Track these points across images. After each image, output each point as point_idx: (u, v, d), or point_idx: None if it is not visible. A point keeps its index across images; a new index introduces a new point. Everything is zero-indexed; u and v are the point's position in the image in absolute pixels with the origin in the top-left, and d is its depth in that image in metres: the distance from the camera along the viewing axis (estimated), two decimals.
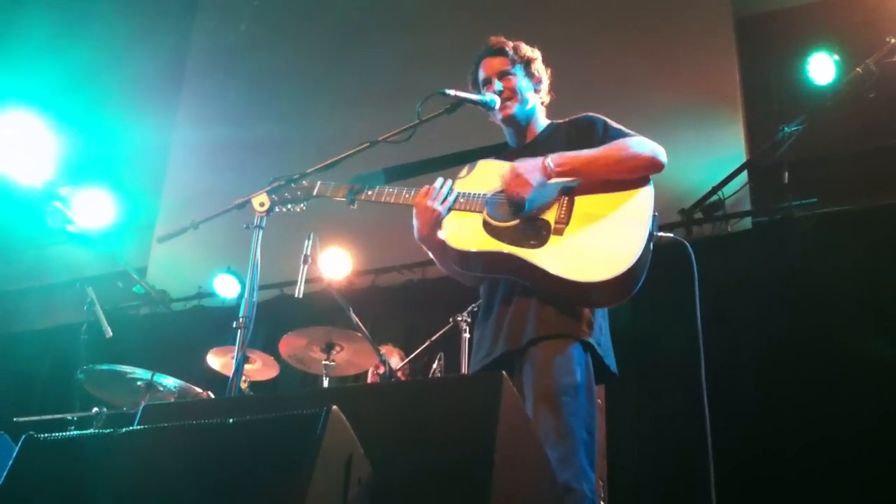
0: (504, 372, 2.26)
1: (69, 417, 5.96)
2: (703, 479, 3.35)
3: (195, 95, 10.05)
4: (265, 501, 1.89)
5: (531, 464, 2.45)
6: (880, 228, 6.31)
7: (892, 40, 6.21)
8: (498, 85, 3.61)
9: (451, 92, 3.49)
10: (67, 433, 2.27)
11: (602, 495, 4.98)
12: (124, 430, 2.12)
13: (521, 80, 3.64)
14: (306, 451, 1.89)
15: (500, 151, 3.75)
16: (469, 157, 3.72)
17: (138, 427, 2.27)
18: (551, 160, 3.32)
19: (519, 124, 3.67)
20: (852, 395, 5.80)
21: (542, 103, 3.75)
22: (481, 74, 3.68)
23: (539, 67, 3.71)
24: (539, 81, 3.71)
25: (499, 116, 3.65)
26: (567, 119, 3.70)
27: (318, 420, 1.93)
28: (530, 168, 3.32)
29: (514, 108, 3.62)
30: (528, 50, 3.70)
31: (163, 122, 9.86)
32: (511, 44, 3.67)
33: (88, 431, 2.30)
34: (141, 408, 2.49)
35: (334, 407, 1.97)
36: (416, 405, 2.26)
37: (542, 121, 3.74)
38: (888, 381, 5.72)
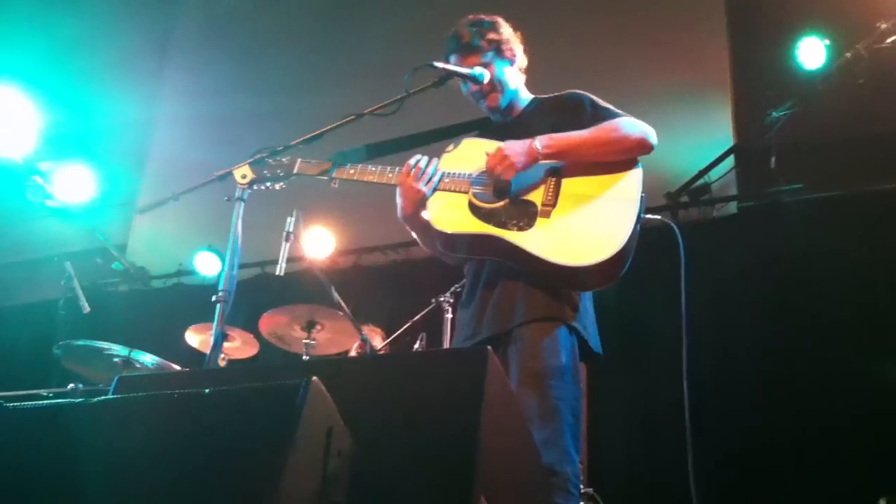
0: (490, 347, 2.22)
1: (44, 393, 5.89)
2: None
3: (180, 69, 9.90)
4: (244, 472, 1.85)
5: (516, 439, 2.43)
6: (867, 214, 6.29)
7: (883, 25, 6.16)
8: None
9: (440, 65, 3.42)
10: (39, 402, 2.21)
11: (582, 478, 4.96)
12: (98, 399, 2.07)
13: (497, 69, 3.51)
14: (286, 423, 1.85)
15: (486, 126, 3.67)
16: (452, 133, 3.65)
17: (113, 396, 2.21)
18: (539, 142, 3.24)
19: (505, 109, 3.59)
20: (840, 380, 5.80)
21: (521, 70, 3.63)
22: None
23: (508, 43, 3.55)
24: (513, 56, 3.58)
25: (484, 107, 3.58)
26: (553, 95, 3.62)
27: (299, 391, 1.88)
28: (517, 150, 3.23)
29: (498, 100, 3.54)
30: (492, 30, 3.53)
31: (146, 96, 9.72)
32: (475, 30, 3.50)
33: (61, 401, 2.23)
34: (115, 379, 2.42)
35: (314, 378, 1.92)
36: (400, 379, 2.23)
37: (524, 94, 3.65)
38: (876, 367, 5.72)
